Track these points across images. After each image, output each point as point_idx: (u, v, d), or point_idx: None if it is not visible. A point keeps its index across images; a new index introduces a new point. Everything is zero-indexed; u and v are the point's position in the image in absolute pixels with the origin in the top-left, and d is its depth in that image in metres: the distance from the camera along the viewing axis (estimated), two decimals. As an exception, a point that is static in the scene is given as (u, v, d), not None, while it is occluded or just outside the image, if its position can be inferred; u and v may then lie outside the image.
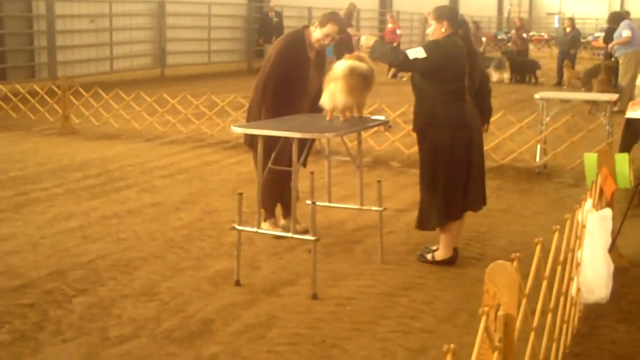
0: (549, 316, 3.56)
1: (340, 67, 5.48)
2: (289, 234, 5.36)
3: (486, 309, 2.37)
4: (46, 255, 5.83)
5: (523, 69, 21.66)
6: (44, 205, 7.36)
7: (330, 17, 6.07)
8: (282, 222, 6.43)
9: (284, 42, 6.15)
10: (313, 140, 5.81)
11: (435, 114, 5.46)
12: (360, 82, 5.49)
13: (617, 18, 15.85)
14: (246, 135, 6.03)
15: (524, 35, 23.44)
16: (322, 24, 6.05)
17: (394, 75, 20.90)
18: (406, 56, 5.38)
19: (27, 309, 4.77)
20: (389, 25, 23.64)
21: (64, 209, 7.19)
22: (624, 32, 14.51)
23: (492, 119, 6.06)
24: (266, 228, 6.06)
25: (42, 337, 4.38)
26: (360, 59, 5.61)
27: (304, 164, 5.96)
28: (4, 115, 12.72)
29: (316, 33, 6.08)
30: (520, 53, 22.60)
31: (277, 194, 6.26)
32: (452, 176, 5.49)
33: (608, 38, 16.75)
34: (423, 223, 5.70)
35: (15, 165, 9.29)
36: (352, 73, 5.44)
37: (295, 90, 6.07)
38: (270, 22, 21.88)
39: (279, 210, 6.49)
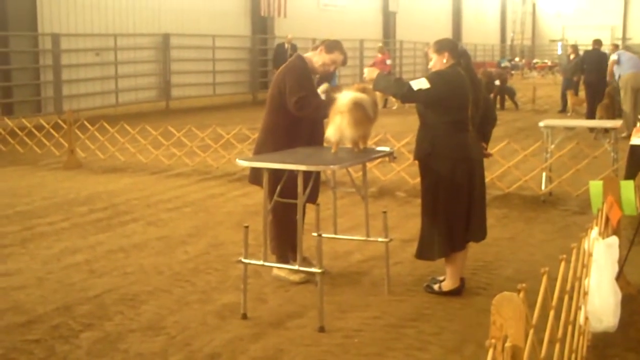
0: (557, 346, 3.53)
1: (345, 100, 5.42)
2: (296, 267, 5.36)
3: (493, 341, 2.37)
4: (52, 290, 5.83)
5: (502, 96, 22.36)
6: (50, 239, 7.38)
7: (337, 45, 6.10)
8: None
9: (299, 66, 6.00)
10: (319, 174, 5.79)
11: (437, 144, 5.47)
12: (365, 115, 5.47)
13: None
14: (251, 173, 6.03)
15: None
16: (330, 49, 6.05)
17: (384, 105, 21.15)
18: (410, 87, 5.40)
19: (33, 345, 4.76)
20: (379, 55, 23.53)
21: (70, 244, 7.20)
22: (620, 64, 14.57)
23: (496, 148, 6.08)
24: (278, 270, 6.03)
25: (49, 374, 4.37)
26: (364, 90, 5.61)
27: (314, 200, 5.79)
28: (11, 149, 12.79)
29: (322, 57, 6.05)
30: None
31: (288, 240, 6.04)
32: (454, 206, 5.49)
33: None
34: (423, 253, 5.69)
35: (21, 199, 9.32)
36: (357, 107, 5.41)
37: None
38: (285, 54, 21.83)
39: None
